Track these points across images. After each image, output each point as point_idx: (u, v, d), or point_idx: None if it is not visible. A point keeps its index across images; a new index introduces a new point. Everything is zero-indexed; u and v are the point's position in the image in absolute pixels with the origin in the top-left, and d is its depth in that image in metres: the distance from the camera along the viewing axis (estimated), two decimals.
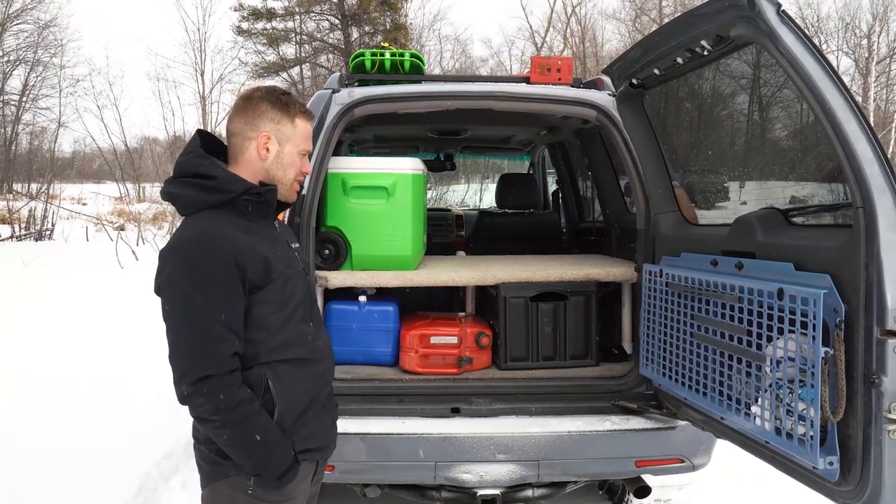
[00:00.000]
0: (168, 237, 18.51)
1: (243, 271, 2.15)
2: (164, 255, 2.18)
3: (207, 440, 2.25)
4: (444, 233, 6.45)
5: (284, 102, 2.35)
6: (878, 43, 33.29)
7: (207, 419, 2.11)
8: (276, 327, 2.26)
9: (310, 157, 2.51)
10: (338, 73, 3.98)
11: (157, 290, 2.19)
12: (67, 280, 12.81)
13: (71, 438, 5.04)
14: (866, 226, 2.10)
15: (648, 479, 3.66)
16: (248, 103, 2.34)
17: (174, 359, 2.13)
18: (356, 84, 3.91)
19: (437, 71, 35.46)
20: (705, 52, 2.71)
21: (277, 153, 2.34)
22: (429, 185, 12.66)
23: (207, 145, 2.36)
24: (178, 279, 2.14)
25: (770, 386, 2.44)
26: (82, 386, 6.40)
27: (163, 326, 2.17)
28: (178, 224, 2.31)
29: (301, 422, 2.32)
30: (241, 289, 2.17)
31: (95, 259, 15.68)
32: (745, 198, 3.32)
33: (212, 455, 2.25)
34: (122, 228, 21.15)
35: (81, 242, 19.91)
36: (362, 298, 3.84)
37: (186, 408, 2.14)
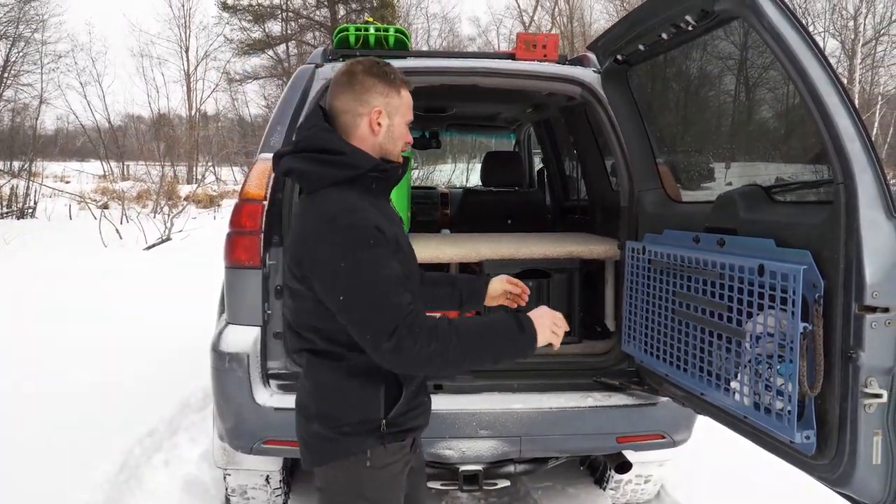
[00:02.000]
0: (152, 215, 18.49)
1: (385, 235, 2.16)
2: (315, 231, 2.17)
3: (323, 418, 2.28)
4: (430, 211, 6.45)
5: (388, 74, 2.32)
6: (864, 25, 33.40)
7: (429, 353, 2.07)
8: None
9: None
10: (322, 48, 3.94)
11: (315, 265, 2.16)
12: (50, 258, 12.75)
13: (51, 417, 5.01)
14: (846, 202, 2.11)
15: (629, 454, 3.69)
16: (353, 79, 2.30)
17: (362, 324, 2.11)
18: (340, 59, 3.88)
19: (424, 50, 35.31)
20: (690, 28, 2.71)
21: (388, 126, 2.31)
22: (415, 165, 12.64)
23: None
24: (340, 249, 2.12)
25: (749, 361, 2.46)
26: (62, 364, 6.37)
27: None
28: (305, 200, 2.30)
29: (416, 401, 2.38)
30: (392, 248, 2.19)
31: (79, 237, 15.61)
32: (731, 178, 3.33)
33: (330, 433, 2.28)
34: (105, 207, 20.98)
35: (64, 221, 19.80)
36: None
37: (400, 362, 2.10)
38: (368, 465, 2.28)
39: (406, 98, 2.35)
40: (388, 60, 3.62)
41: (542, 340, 2.20)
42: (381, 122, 2.29)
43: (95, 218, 17.04)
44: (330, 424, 2.28)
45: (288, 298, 2.37)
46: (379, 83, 2.29)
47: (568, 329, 2.28)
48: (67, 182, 31.66)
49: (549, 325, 2.23)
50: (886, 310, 2.07)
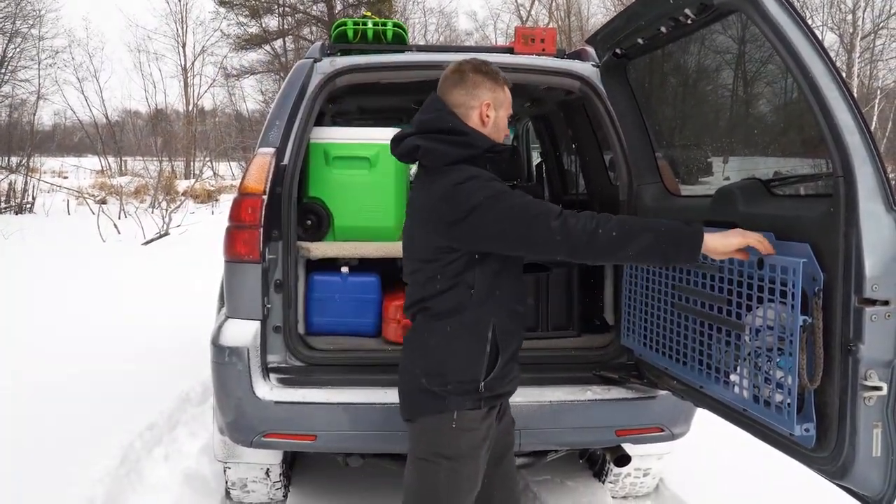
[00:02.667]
0: (150, 210, 18.48)
1: None
2: (456, 189, 2.43)
3: (431, 374, 2.54)
4: None
5: (494, 72, 2.63)
6: (863, 18, 33.35)
7: (591, 227, 2.31)
8: (508, 280, 2.60)
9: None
10: (320, 43, 3.93)
11: (467, 212, 2.40)
12: (48, 253, 12.75)
13: (49, 411, 5.02)
14: (846, 195, 2.10)
15: (628, 447, 3.70)
16: (463, 76, 2.59)
17: (529, 223, 2.37)
18: (338, 53, 3.87)
19: (421, 44, 35.24)
20: (689, 21, 2.70)
21: (495, 118, 2.62)
22: None
23: None
24: (485, 190, 2.42)
25: (749, 354, 2.46)
26: (60, 358, 6.37)
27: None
28: (426, 176, 2.60)
29: (508, 367, 2.62)
30: None
31: (77, 232, 15.61)
32: (728, 172, 3.32)
33: (435, 388, 2.53)
34: (103, 202, 20.97)
35: (62, 216, 19.81)
36: (344, 269, 3.83)
37: (568, 240, 2.32)
38: (454, 426, 2.52)
39: (508, 94, 2.67)
40: (385, 54, 3.66)
41: (719, 245, 2.32)
42: (490, 114, 2.60)
43: (93, 213, 17.04)
44: (437, 381, 2.53)
45: (408, 276, 2.69)
46: (487, 80, 2.60)
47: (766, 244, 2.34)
48: (65, 177, 31.62)
49: (739, 240, 2.33)
50: (886, 302, 2.07)
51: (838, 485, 2.22)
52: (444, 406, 2.52)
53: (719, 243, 2.32)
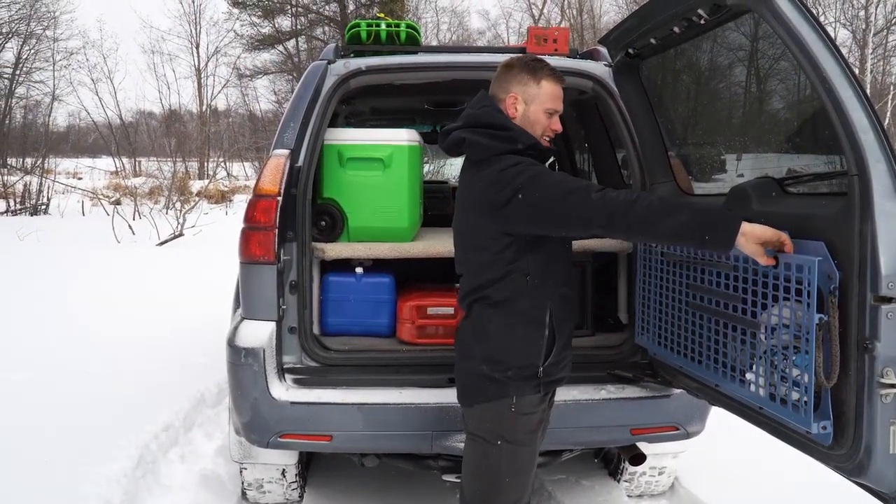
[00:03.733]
0: (164, 211, 18.54)
1: None
2: (502, 173, 2.56)
3: (491, 361, 2.66)
4: (441, 205, 6.45)
5: (533, 67, 2.71)
6: (876, 14, 33.09)
7: (630, 199, 2.40)
8: (559, 265, 2.74)
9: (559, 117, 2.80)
10: (333, 44, 3.95)
11: (515, 192, 2.52)
12: (63, 254, 12.81)
13: (65, 412, 5.05)
14: (861, 193, 2.11)
15: (643, 446, 3.70)
16: (505, 69, 2.75)
17: (571, 196, 2.47)
18: (352, 55, 3.89)
19: (433, 43, 35.25)
20: (702, 21, 2.70)
21: (524, 112, 2.71)
22: (426, 159, 12.64)
23: None
24: (529, 170, 2.55)
25: (764, 353, 2.46)
26: (76, 358, 6.41)
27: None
28: (471, 168, 2.75)
29: (564, 353, 2.77)
30: None
31: (92, 233, 15.67)
32: (742, 170, 3.32)
33: (496, 374, 2.65)
34: (118, 203, 21.05)
35: (77, 217, 19.90)
36: (359, 270, 3.84)
37: (605, 210, 2.42)
38: (513, 410, 2.65)
39: (547, 88, 2.71)
40: (398, 55, 3.67)
41: (751, 236, 2.28)
42: (518, 107, 2.70)
43: (108, 214, 17.14)
44: (497, 367, 2.65)
45: (462, 266, 2.81)
46: (521, 73, 2.70)
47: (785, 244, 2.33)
48: (80, 178, 31.80)
49: (770, 234, 2.30)
50: None
51: (855, 482, 2.22)
52: (505, 391, 2.64)
53: (757, 230, 2.28)
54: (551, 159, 6.54)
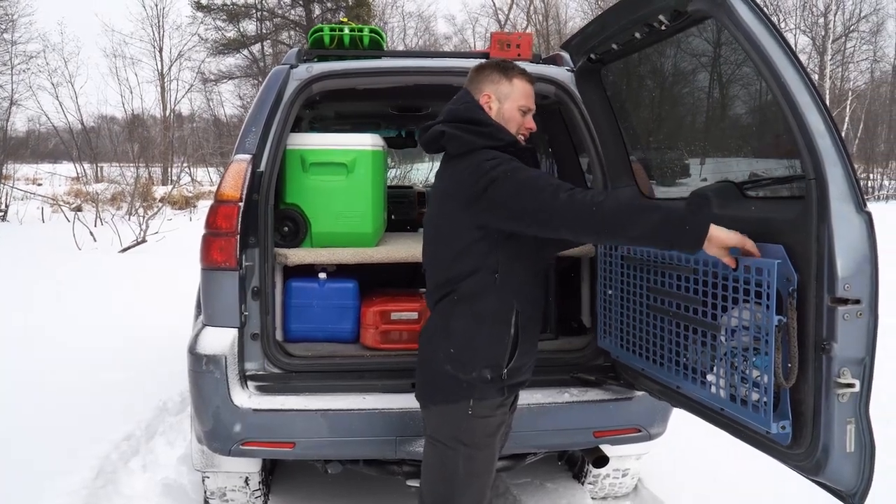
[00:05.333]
0: (126, 217, 18.29)
1: None
2: (480, 165, 2.57)
3: (455, 360, 2.64)
4: (407, 210, 6.45)
5: (503, 67, 2.79)
6: (835, 22, 33.75)
7: (599, 200, 2.40)
8: (529, 266, 2.71)
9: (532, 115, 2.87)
10: (296, 49, 3.93)
11: (487, 184, 2.52)
12: (23, 261, 12.61)
13: (24, 423, 4.97)
14: (818, 197, 2.13)
15: (607, 448, 3.72)
16: (476, 72, 2.81)
17: (542, 192, 2.46)
18: (315, 59, 3.87)
19: (400, 48, 35.26)
20: (663, 27, 2.72)
21: (499, 110, 2.75)
22: (392, 164, 12.62)
23: None
24: (505, 165, 2.55)
25: (725, 355, 2.49)
26: (35, 368, 6.31)
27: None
28: (449, 162, 2.78)
29: (528, 357, 2.75)
30: None
31: (52, 240, 15.42)
32: (706, 174, 3.35)
33: (460, 374, 2.63)
34: (79, 209, 20.75)
35: (37, 224, 19.57)
36: (322, 275, 3.82)
37: (573, 210, 2.42)
38: (470, 412, 2.64)
39: (519, 86, 2.77)
40: (361, 60, 3.66)
41: (717, 240, 2.29)
42: (492, 105, 2.74)
43: (69, 220, 16.86)
44: (461, 367, 2.63)
45: (430, 260, 2.80)
46: (493, 73, 2.77)
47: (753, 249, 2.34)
48: (40, 184, 31.33)
49: (736, 238, 2.32)
50: (858, 301, 2.10)
51: (814, 480, 2.25)
52: (467, 393, 2.63)
53: (724, 234, 2.29)
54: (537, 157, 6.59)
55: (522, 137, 2.81)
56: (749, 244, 2.31)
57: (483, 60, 2.86)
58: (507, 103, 2.75)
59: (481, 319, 2.64)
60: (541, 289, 2.88)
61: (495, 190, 2.51)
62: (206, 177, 34.20)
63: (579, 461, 4.46)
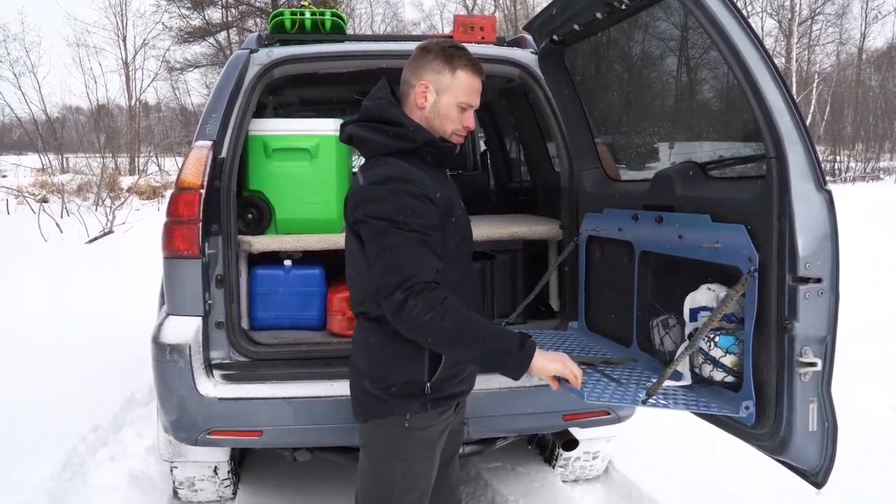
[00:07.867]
0: (93, 208, 18.08)
1: (434, 204, 2.33)
2: (367, 189, 2.33)
3: (373, 377, 2.46)
4: None
5: (450, 54, 2.44)
6: (800, 4, 33.96)
7: (424, 320, 2.17)
8: (451, 265, 2.41)
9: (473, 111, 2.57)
10: (256, 34, 3.88)
11: (362, 219, 2.32)
12: None
13: None
14: (778, 176, 2.14)
15: (576, 432, 3.73)
16: (421, 53, 2.46)
17: (388, 272, 2.24)
18: (276, 44, 3.82)
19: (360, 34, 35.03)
20: (623, 7, 2.72)
21: (434, 103, 2.44)
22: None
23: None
24: (387, 206, 2.27)
25: (689, 335, 2.49)
26: (0, 361, 6.22)
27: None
28: (364, 165, 2.49)
29: (458, 368, 2.52)
30: (437, 219, 2.34)
31: (17, 232, 15.21)
32: (675, 157, 3.35)
33: (378, 392, 2.45)
34: (45, 200, 20.48)
35: (2, 216, 19.30)
36: (287, 263, 3.78)
37: (399, 319, 2.22)
38: (407, 425, 2.45)
39: (463, 80, 2.45)
40: (323, 44, 3.60)
41: (539, 370, 2.26)
42: (428, 96, 2.44)
43: (34, 212, 16.63)
44: (378, 384, 2.46)
45: (346, 277, 2.57)
46: (437, 59, 2.43)
47: (579, 379, 2.31)
48: (4, 176, 30.84)
49: (559, 367, 2.28)
50: (819, 280, 2.11)
51: (778, 460, 2.26)
52: (389, 409, 2.46)
53: (541, 367, 2.26)
54: (483, 150, 6.54)
55: (458, 137, 2.52)
56: (569, 374, 2.29)
57: (432, 40, 2.54)
58: (445, 97, 2.43)
59: (392, 336, 2.36)
60: (467, 289, 2.57)
61: (364, 230, 2.33)
62: (174, 166, 33.86)
63: (549, 445, 4.47)
